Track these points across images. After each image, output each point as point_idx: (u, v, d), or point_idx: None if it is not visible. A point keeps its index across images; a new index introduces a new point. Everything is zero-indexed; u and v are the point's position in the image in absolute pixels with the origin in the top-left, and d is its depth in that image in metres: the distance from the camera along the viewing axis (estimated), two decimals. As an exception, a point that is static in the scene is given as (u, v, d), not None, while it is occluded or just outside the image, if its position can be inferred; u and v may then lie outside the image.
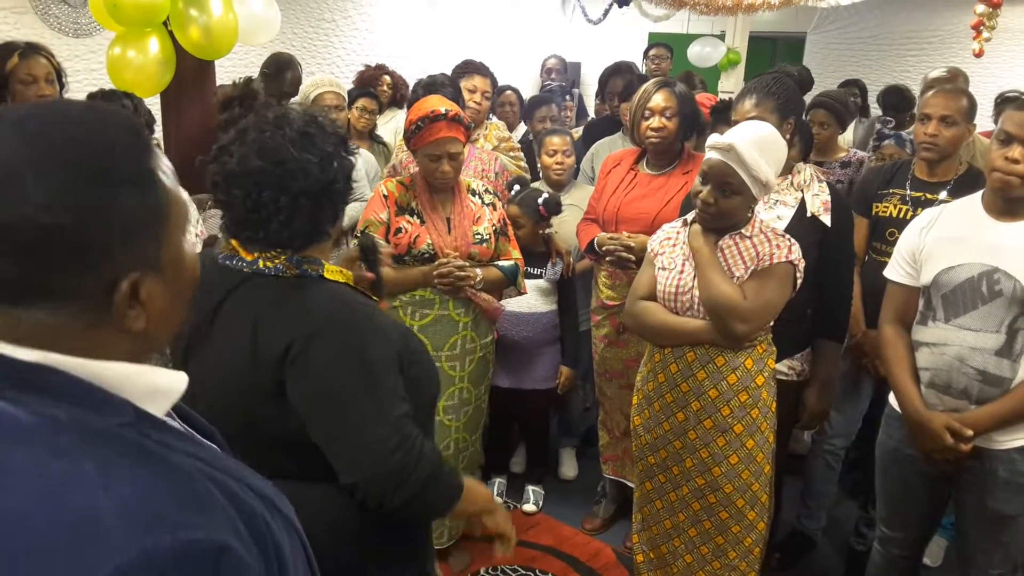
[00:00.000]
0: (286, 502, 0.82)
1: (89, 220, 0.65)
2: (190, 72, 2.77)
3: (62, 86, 2.75)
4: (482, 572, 2.84)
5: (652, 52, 5.25)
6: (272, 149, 1.34)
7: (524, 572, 2.86)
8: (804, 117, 3.61)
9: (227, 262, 1.37)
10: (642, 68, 5.34)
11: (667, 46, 5.33)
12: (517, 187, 3.05)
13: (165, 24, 2.64)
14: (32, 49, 2.67)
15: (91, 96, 2.35)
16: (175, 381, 0.76)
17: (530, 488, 3.30)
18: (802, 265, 2.06)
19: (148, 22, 2.57)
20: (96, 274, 0.68)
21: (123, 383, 0.71)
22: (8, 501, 0.60)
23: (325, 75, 4.23)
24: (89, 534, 0.59)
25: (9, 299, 0.67)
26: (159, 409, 0.74)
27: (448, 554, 2.83)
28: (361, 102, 3.89)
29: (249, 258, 1.37)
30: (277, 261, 1.37)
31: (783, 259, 2.02)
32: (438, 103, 2.43)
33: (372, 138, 4.02)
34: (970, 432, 1.94)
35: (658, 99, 2.69)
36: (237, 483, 0.73)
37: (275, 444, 1.37)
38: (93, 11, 2.70)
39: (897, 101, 4.58)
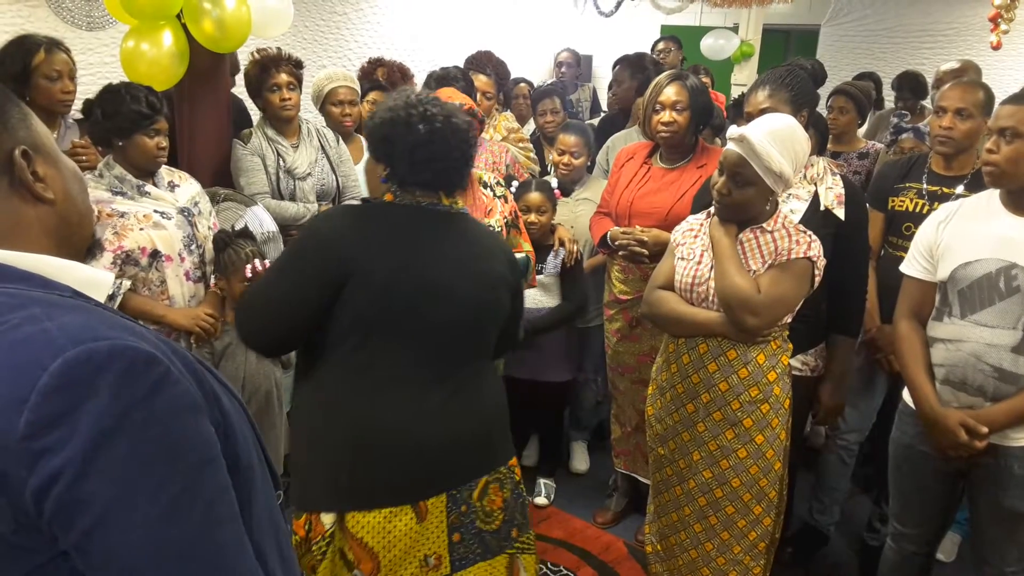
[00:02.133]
0: (227, 381, 0.95)
1: None
2: (203, 65, 2.76)
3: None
4: (493, 565, 2.85)
5: (659, 46, 5.21)
6: (456, 113, 1.75)
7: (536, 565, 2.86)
8: (826, 105, 3.60)
9: (435, 207, 1.77)
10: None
11: (674, 39, 5.29)
12: (516, 182, 3.05)
13: (179, 17, 2.64)
14: (54, 44, 2.68)
15: (106, 88, 2.35)
16: (105, 275, 0.92)
17: (542, 481, 3.30)
18: (822, 263, 2.04)
19: (162, 15, 2.57)
20: None
21: (60, 273, 0.85)
22: None
23: (337, 68, 4.22)
24: (38, 346, 0.72)
25: None
26: (98, 296, 0.87)
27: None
28: (372, 95, 3.90)
29: (448, 203, 1.79)
30: (461, 204, 1.84)
31: (801, 255, 2.01)
32: (453, 96, 2.42)
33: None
34: (985, 429, 1.93)
35: (669, 92, 2.67)
36: (170, 344, 0.84)
37: (497, 327, 1.86)
38: (107, 4, 2.70)
39: (914, 85, 4.58)
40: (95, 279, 0.89)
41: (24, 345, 0.72)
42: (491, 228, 2.51)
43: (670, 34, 5.53)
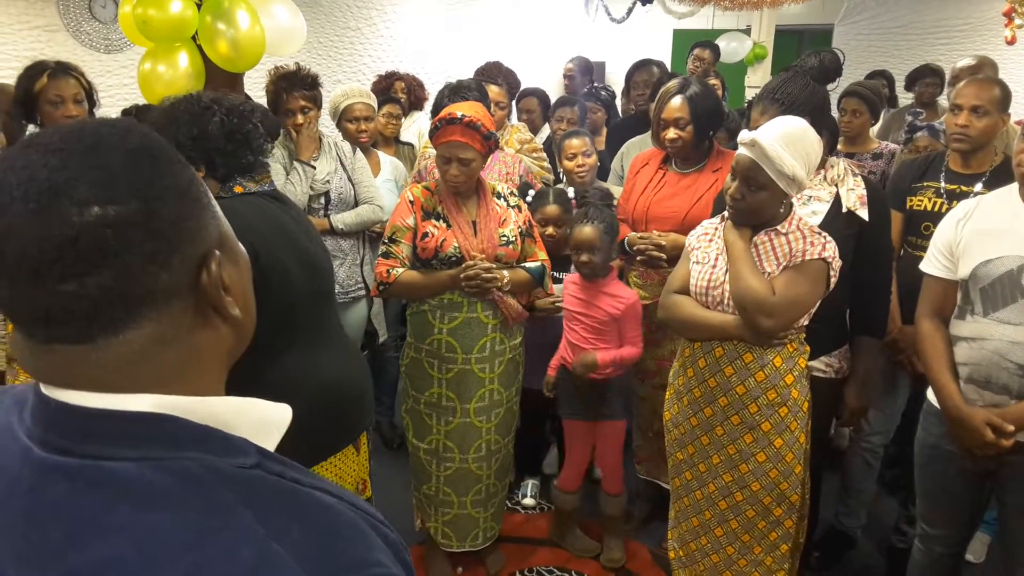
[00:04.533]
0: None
1: (153, 200, 0.62)
2: (219, 85, 2.80)
3: (93, 104, 2.79)
4: (518, 573, 2.85)
5: (695, 51, 5.17)
6: (233, 97, 1.91)
7: (560, 573, 2.86)
8: (838, 107, 3.57)
9: (270, 190, 1.96)
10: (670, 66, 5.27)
11: (712, 47, 5.19)
12: (532, 191, 3.04)
13: (194, 38, 2.67)
14: (62, 69, 2.70)
15: (125, 112, 2.39)
16: (282, 413, 0.73)
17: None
18: (837, 263, 2.03)
19: (177, 37, 2.60)
20: (180, 257, 0.64)
21: (235, 420, 0.68)
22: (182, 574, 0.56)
23: (352, 83, 4.26)
24: None
25: (110, 320, 0.62)
26: (270, 443, 0.70)
27: (484, 555, 2.84)
28: (386, 108, 3.96)
29: (268, 182, 1.97)
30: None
31: (816, 256, 1.99)
32: (466, 109, 2.44)
33: (397, 142, 4.06)
34: (1011, 427, 1.91)
35: (671, 108, 2.67)
36: (358, 509, 0.70)
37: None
38: (123, 28, 2.75)
39: (939, 72, 4.61)
40: (271, 419, 0.72)
41: None
42: (505, 237, 2.53)
43: (707, 41, 5.42)
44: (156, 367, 0.64)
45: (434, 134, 2.47)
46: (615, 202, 2.88)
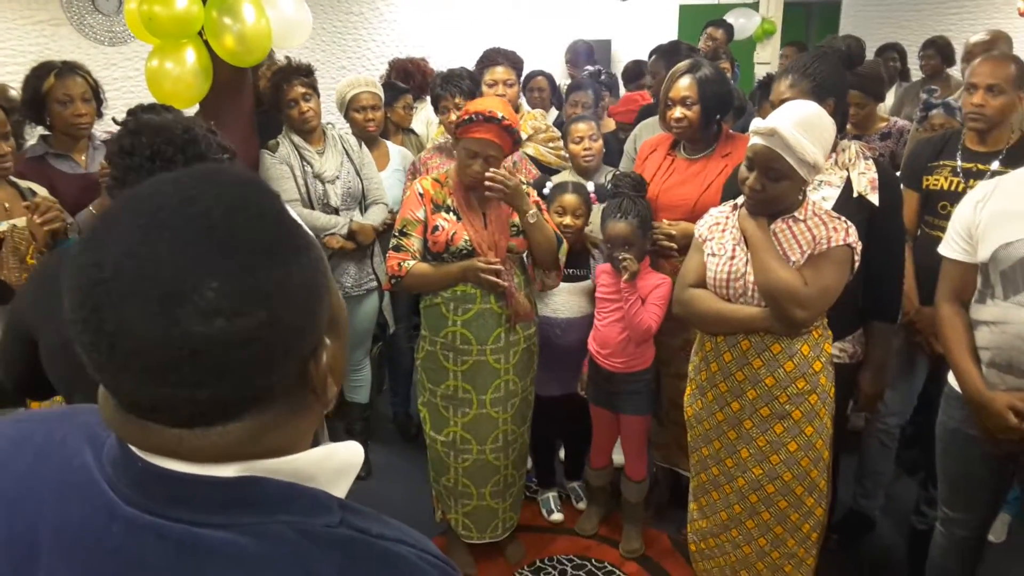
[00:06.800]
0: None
1: (280, 307, 0.59)
2: (226, 80, 2.78)
3: (101, 102, 2.77)
4: (538, 563, 2.86)
5: (708, 30, 5.10)
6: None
7: (580, 561, 2.87)
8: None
9: None
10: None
11: (726, 26, 5.14)
12: (550, 183, 2.99)
13: (200, 34, 2.65)
14: (69, 68, 2.69)
15: (131, 111, 2.36)
16: (355, 455, 0.71)
17: (576, 485, 3.26)
18: (859, 248, 2.01)
19: (184, 33, 2.58)
20: (294, 358, 0.62)
21: (315, 472, 0.66)
22: None
23: (357, 71, 4.24)
24: None
25: (215, 417, 0.61)
26: (342, 489, 0.69)
27: (504, 546, 2.85)
28: (404, 100, 3.94)
29: None
30: None
31: (841, 242, 1.97)
32: (500, 107, 2.41)
33: (404, 131, 4.03)
34: (1034, 411, 1.89)
35: (678, 87, 2.63)
36: (432, 556, 0.70)
37: None
38: (130, 25, 2.72)
39: (942, 46, 4.67)
40: (346, 463, 0.70)
41: None
42: (516, 227, 2.51)
43: (720, 20, 5.36)
44: (251, 450, 0.63)
45: (467, 124, 2.41)
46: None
